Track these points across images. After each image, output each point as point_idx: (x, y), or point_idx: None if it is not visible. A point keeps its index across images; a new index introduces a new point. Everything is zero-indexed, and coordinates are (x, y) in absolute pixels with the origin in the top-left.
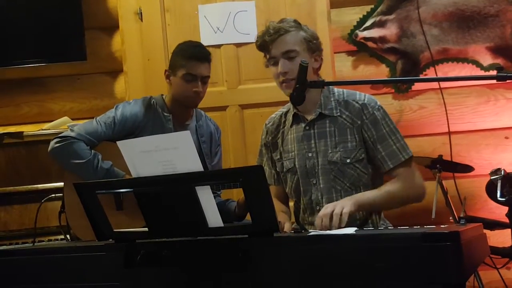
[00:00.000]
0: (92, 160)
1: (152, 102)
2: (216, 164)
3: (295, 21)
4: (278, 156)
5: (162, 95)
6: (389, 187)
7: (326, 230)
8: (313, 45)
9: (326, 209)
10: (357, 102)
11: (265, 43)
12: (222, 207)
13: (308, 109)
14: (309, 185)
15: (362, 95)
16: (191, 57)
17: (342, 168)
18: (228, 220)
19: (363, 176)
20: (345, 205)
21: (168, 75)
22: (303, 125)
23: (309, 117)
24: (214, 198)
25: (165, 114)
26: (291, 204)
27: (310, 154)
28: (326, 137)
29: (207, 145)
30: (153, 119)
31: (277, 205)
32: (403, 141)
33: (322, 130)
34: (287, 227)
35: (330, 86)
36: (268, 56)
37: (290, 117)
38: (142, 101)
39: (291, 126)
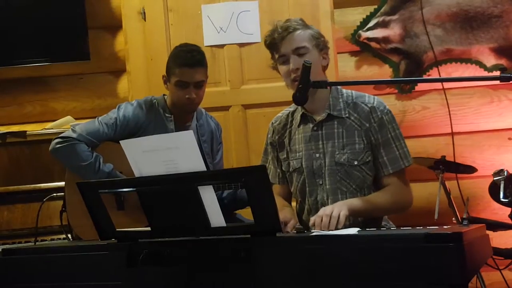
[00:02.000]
0: (94, 163)
1: (154, 102)
2: (218, 163)
3: (301, 20)
4: (285, 156)
5: (164, 95)
6: (378, 199)
7: (324, 229)
8: (321, 42)
9: (325, 210)
10: (366, 105)
11: (274, 41)
12: (234, 195)
13: (317, 109)
14: (315, 185)
15: (372, 98)
16: (182, 64)
17: (348, 170)
18: (241, 207)
19: (368, 178)
20: (342, 208)
21: (165, 80)
22: (311, 125)
23: (318, 118)
24: (222, 191)
25: (167, 114)
26: (294, 204)
27: (317, 155)
28: (334, 138)
29: (208, 145)
30: (155, 120)
31: (281, 202)
32: (406, 148)
33: (330, 131)
34: (291, 223)
35: (339, 88)
36: (277, 55)
37: (298, 117)
38: (144, 101)
39: (298, 126)
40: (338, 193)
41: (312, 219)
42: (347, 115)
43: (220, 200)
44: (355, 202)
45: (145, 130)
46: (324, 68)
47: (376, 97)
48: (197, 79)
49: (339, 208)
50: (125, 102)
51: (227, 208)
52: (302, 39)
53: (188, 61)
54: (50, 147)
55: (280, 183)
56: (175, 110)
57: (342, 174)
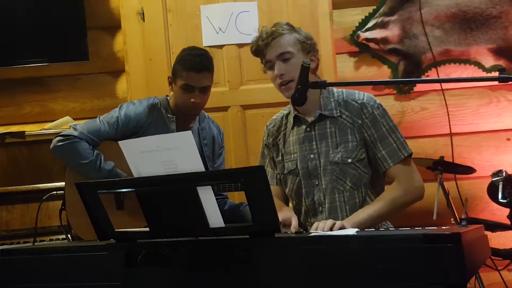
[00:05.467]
0: (95, 161)
1: (156, 102)
2: (219, 166)
3: (287, 24)
4: (280, 158)
5: (166, 96)
6: (386, 199)
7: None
8: (307, 46)
9: (326, 222)
10: (356, 102)
11: (259, 48)
12: (235, 211)
13: (308, 110)
14: (311, 186)
15: (361, 94)
16: (189, 68)
17: (343, 168)
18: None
19: (364, 175)
20: (345, 225)
21: (170, 82)
22: (304, 126)
23: (310, 119)
24: (224, 201)
25: (169, 115)
26: (290, 206)
27: (312, 156)
28: (327, 138)
29: (209, 148)
30: (156, 120)
31: (279, 202)
32: (402, 138)
33: (323, 131)
34: (294, 223)
35: (330, 88)
36: (264, 61)
37: (291, 119)
38: (146, 101)
39: (292, 128)
40: (335, 192)
41: (314, 224)
42: (338, 114)
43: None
44: (359, 215)
45: (146, 130)
46: (314, 70)
47: (366, 93)
48: (203, 84)
49: (342, 225)
50: (127, 102)
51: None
52: (286, 44)
53: (195, 65)
54: (51, 145)
55: (278, 184)
56: (178, 112)
57: (337, 173)
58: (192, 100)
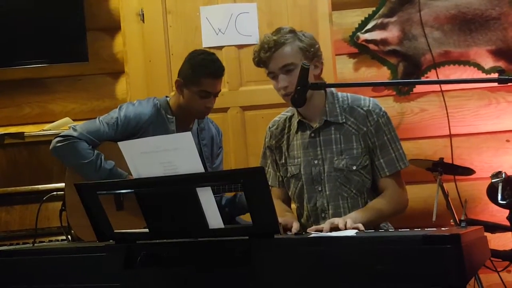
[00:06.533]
0: (95, 160)
1: (156, 103)
2: (218, 166)
3: (290, 30)
4: (283, 161)
5: (166, 97)
6: (379, 206)
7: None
8: (310, 54)
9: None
10: (362, 109)
11: (261, 60)
12: (232, 203)
13: (313, 116)
14: (314, 192)
15: (367, 101)
16: (209, 75)
17: (348, 175)
18: (241, 212)
19: (367, 182)
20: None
21: (180, 85)
22: (308, 132)
23: (314, 125)
24: (221, 197)
25: (169, 116)
26: (293, 207)
27: (316, 161)
28: (332, 144)
29: (208, 149)
30: (156, 121)
31: (281, 206)
32: (402, 150)
33: (328, 137)
34: (295, 226)
35: (334, 92)
36: (267, 71)
37: (295, 123)
38: (146, 102)
39: (296, 132)
40: (339, 198)
41: (317, 227)
42: (344, 120)
43: (220, 208)
44: (358, 216)
45: (146, 131)
46: (317, 76)
47: (371, 99)
48: (219, 89)
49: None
50: (126, 102)
51: (228, 214)
52: (288, 56)
53: (214, 72)
54: (51, 146)
55: (280, 186)
56: (179, 113)
57: (342, 179)
58: (207, 105)
